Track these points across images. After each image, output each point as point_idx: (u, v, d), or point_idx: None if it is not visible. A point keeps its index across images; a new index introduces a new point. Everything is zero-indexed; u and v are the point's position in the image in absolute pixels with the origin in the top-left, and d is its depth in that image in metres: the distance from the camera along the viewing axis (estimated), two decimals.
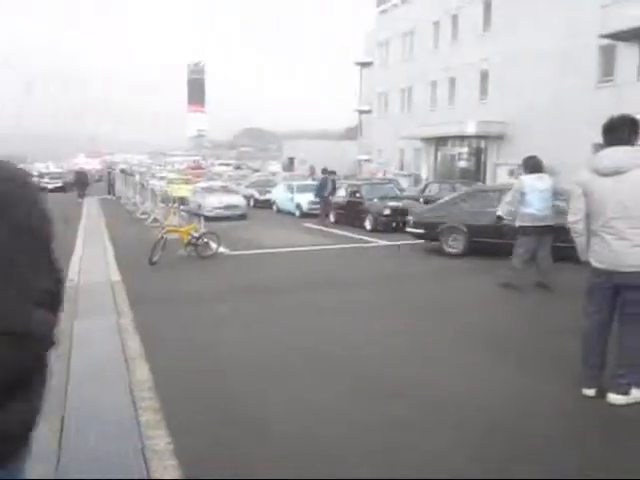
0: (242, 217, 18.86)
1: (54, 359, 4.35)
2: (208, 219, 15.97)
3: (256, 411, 4.07)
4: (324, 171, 21.28)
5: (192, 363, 5.08)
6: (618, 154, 3.95)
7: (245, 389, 4.48)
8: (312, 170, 38.74)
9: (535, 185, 7.80)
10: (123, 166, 48.32)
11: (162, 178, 32.80)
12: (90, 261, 10.39)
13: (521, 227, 7.99)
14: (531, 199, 7.78)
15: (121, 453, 3.42)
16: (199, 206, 18.24)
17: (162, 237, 10.27)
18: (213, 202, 18.82)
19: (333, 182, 17.91)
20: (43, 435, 3.63)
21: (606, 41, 21.58)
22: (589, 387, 4.15)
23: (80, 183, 28.48)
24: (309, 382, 4.64)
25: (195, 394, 4.38)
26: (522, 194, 7.85)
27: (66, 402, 4.14)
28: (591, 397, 4.12)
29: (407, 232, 12.17)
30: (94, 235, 14.25)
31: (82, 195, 27.57)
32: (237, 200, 19.75)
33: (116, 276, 8.90)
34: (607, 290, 4.03)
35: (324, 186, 17.46)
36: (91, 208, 22.59)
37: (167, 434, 3.61)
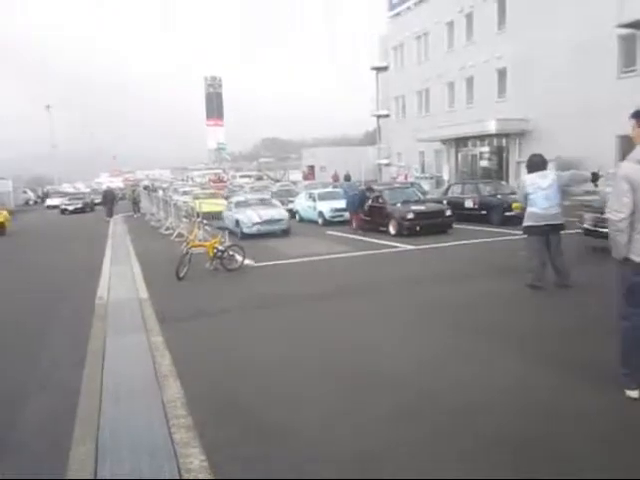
0: (285, 232, 16.72)
1: (87, 377, 4.37)
2: (245, 236, 15.99)
3: (291, 426, 4.03)
4: (347, 177, 21.18)
5: (223, 379, 5.06)
6: None
7: (278, 405, 4.44)
8: (336, 177, 38.76)
9: (537, 184, 7.66)
10: (146, 182, 48.98)
11: (185, 193, 33.04)
12: (118, 278, 10.50)
13: (526, 227, 7.89)
14: (534, 198, 7.66)
15: (156, 472, 3.41)
16: (236, 222, 16.81)
17: (187, 252, 10.33)
18: (252, 217, 16.62)
19: (363, 193, 17.60)
20: (80, 455, 3.65)
21: (625, 30, 21.18)
22: (632, 389, 4.01)
23: (108, 202, 28.34)
24: (347, 397, 4.58)
25: (227, 411, 4.35)
26: (526, 194, 7.72)
27: (100, 421, 4.16)
28: (635, 399, 3.98)
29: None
30: (120, 252, 14.42)
31: (110, 214, 27.40)
32: (279, 213, 17.29)
33: (144, 293, 8.97)
34: None
35: (354, 201, 17.25)
36: (116, 226, 22.91)
37: (201, 452, 3.59)
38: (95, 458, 3.62)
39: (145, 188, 35.53)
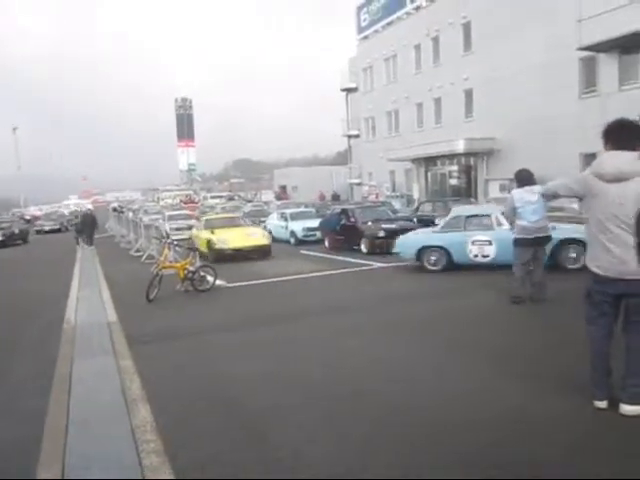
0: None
1: (53, 403, 4.26)
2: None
3: (264, 449, 3.96)
4: (335, 197, 21.29)
5: (194, 402, 4.97)
6: (619, 159, 3.88)
7: (251, 428, 4.37)
8: (322, 196, 38.89)
9: (525, 198, 7.85)
10: (115, 204, 48.32)
11: (158, 213, 32.51)
12: (86, 302, 10.29)
13: (515, 239, 8.09)
14: (523, 212, 7.87)
15: None
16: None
17: (157, 273, 10.19)
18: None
19: (337, 214, 17.66)
20: None
21: (585, 53, 21.93)
22: (601, 399, 4.06)
23: (87, 227, 23.77)
24: (322, 418, 4.54)
25: (199, 433, 4.27)
26: (514, 208, 7.93)
27: (66, 448, 4.03)
28: (603, 409, 4.04)
29: None
30: (89, 276, 14.15)
31: (90, 241, 23.28)
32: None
33: (113, 316, 8.80)
34: (608, 297, 3.99)
35: (332, 222, 17.28)
36: (85, 250, 22.40)
37: (171, 475, 3.50)
38: None
39: (114, 210, 35.06)
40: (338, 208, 19.12)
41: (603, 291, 3.99)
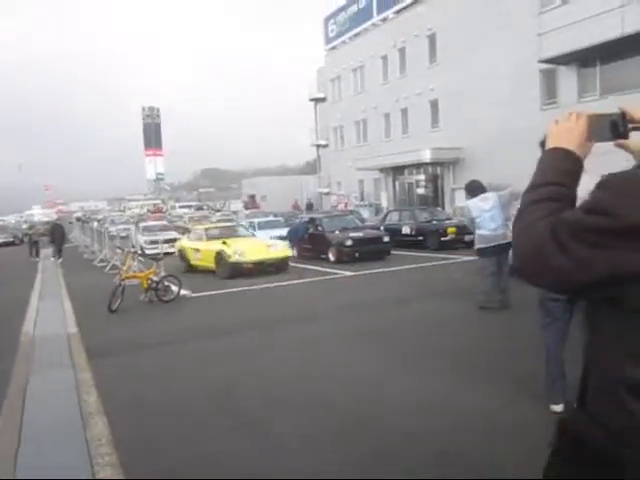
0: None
1: (5, 416, 4.12)
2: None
3: (223, 461, 3.91)
4: (309, 206, 21.22)
5: (153, 414, 4.88)
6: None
7: (211, 440, 4.31)
8: (296, 205, 38.78)
9: (480, 207, 7.94)
10: (79, 214, 47.34)
11: (125, 222, 31.65)
12: (46, 313, 10.02)
13: (478, 249, 8.13)
14: (481, 221, 7.92)
15: None
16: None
17: (120, 284, 10.00)
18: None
19: (305, 223, 17.66)
20: None
21: (546, 65, 22.54)
22: (556, 403, 4.13)
23: (57, 238, 22.14)
24: (289, 429, 4.50)
25: (156, 446, 4.18)
26: (472, 219, 8.01)
27: (17, 461, 3.89)
28: (559, 413, 4.10)
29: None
30: (51, 287, 13.80)
31: (59, 252, 21.82)
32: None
33: (73, 327, 8.58)
34: (559, 302, 4.06)
35: (300, 230, 17.24)
36: (47, 260, 21.86)
37: None
38: None
39: (78, 220, 34.35)
40: (306, 217, 19.11)
41: (554, 297, 4.07)
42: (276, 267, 13.97)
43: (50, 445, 4.25)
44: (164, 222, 27.33)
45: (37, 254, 22.84)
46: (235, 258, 13.31)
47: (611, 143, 1.29)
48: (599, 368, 1.13)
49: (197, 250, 15.00)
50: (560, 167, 1.23)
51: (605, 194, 1.04)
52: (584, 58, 20.98)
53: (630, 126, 1.27)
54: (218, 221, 26.42)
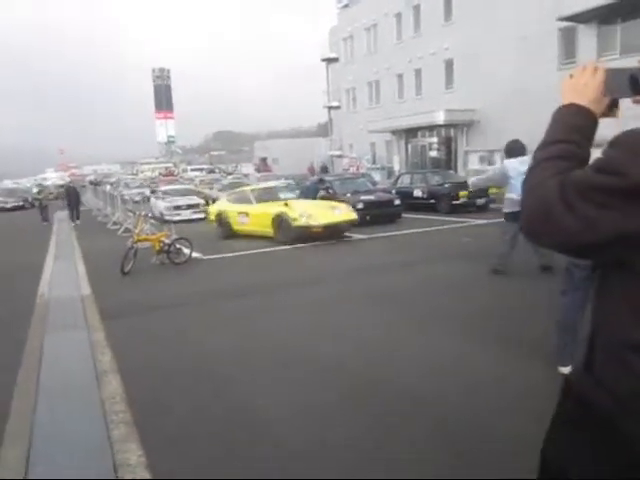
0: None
1: (22, 377, 4.20)
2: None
3: (234, 420, 3.99)
4: (323, 169, 20.94)
5: (167, 373, 4.97)
6: None
7: (224, 399, 4.39)
8: (312, 169, 38.57)
9: (519, 169, 7.64)
10: (91, 177, 47.46)
11: (140, 187, 31.33)
12: (61, 275, 10.16)
13: (505, 213, 7.89)
14: (515, 184, 7.56)
15: (91, 469, 3.31)
16: None
17: (132, 246, 10.08)
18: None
19: (315, 185, 17.53)
20: (10, 454, 3.51)
21: (565, 24, 21.85)
22: (564, 365, 4.14)
23: (72, 201, 22.06)
24: (300, 392, 4.57)
25: (169, 404, 4.27)
26: (508, 177, 7.72)
27: (34, 420, 4.01)
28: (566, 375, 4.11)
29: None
30: (65, 250, 13.96)
31: (77, 215, 21.81)
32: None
33: (87, 289, 8.71)
34: (584, 270, 4.03)
35: (311, 191, 17.13)
36: (62, 223, 22.08)
37: (139, 447, 3.50)
38: (27, 457, 3.48)
39: (91, 183, 34.46)
40: (316, 178, 18.97)
41: (579, 264, 4.03)
42: (344, 230, 13.09)
43: (65, 402, 4.36)
44: (186, 185, 25.70)
45: (47, 219, 22.76)
46: (302, 221, 12.24)
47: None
48: (606, 331, 1.12)
49: (245, 214, 13.79)
50: (572, 124, 1.19)
51: (617, 152, 1.00)
52: (605, 15, 20.30)
53: None
54: (230, 183, 25.91)
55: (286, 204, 13.01)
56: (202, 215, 18.59)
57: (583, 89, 1.23)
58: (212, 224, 15.15)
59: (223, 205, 15.17)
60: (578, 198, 1.02)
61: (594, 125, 1.21)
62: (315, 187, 17.22)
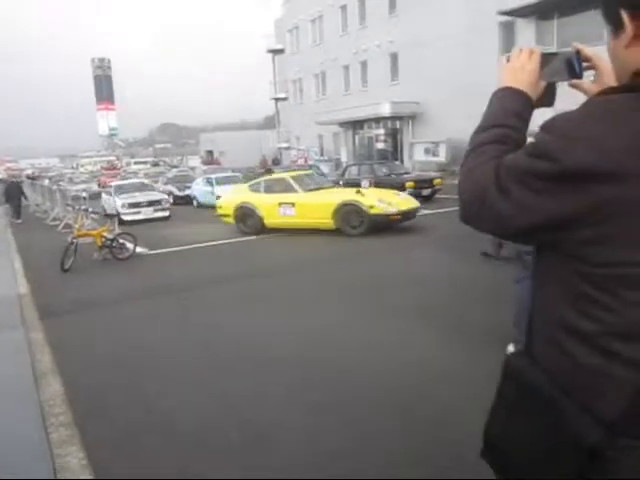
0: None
1: None
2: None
3: (180, 418, 3.89)
4: (275, 161, 20.67)
5: (107, 373, 4.80)
6: None
7: (169, 396, 4.28)
8: (265, 161, 38.18)
9: None
10: (29, 171, 45.59)
11: (85, 182, 30.00)
12: None
13: None
14: None
15: (29, 473, 3.16)
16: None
17: (73, 242, 9.71)
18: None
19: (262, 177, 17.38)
20: None
21: (505, 17, 22.45)
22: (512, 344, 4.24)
23: (14, 198, 20.20)
24: (245, 386, 4.50)
25: (111, 405, 4.13)
26: None
27: None
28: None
29: None
30: (0, 247, 13.31)
31: (18, 213, 20.04)
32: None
33: (24, 288, 8.33)
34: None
35: None
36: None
37: (79, 450, 3.37)
38: None
39: (28, 177, 33.07)
40: (263, 170, 18.82)
41: (531, 251, 4.12)
42: (410, 218, 11.79)
43: (2, 406, 4.14)
44: (142, 180, 22.92)
45: None
46: (380, 208, 11.01)
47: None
48: (542, 312, 1.12)
49: (291, 204, 12.01)
50: (509, 108, 1.19)
51: (549, 137, 1.00)
52: (543, 10, 20.98)
53: (584, 65, 1.23)
54: (175, 176, 25.25)
55: (358, 191, 11.71)
56: (167, 213, 17.22)
57: (519, 73, 1.23)
58: (225, 221, 13.23)
59: (245, 196, 12.87)
60: (512, 182, 1.01)
61: (530, 109, 1.21)
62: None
